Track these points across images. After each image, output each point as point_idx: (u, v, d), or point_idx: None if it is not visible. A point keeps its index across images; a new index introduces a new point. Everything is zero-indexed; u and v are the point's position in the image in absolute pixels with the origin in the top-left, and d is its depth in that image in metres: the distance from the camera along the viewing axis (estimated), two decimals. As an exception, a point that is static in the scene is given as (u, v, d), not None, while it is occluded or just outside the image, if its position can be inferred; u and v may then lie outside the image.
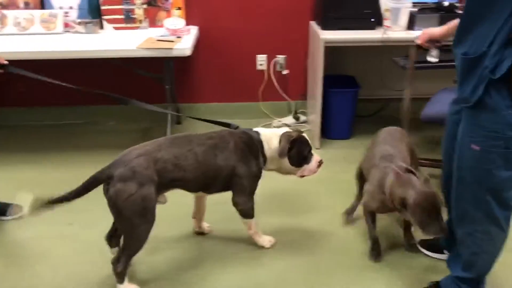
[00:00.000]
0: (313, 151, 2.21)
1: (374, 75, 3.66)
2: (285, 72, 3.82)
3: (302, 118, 3.85)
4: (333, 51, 3.37)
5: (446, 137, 1.96)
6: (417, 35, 2.21)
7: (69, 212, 2.62)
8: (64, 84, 2.26)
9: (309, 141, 2.19)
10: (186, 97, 3.89)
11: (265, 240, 2.35)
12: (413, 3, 3.29)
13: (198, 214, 2.40)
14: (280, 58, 3.79)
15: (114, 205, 1.89)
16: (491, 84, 1.56)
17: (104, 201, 2.69)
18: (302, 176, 2.22)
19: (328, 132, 3.55)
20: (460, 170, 1.76)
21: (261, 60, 3.80)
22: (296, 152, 2.14)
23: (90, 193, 2.76)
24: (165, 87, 3.27)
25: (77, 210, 2.65)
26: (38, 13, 3.34)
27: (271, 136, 2.17)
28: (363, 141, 3.49)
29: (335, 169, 3.09)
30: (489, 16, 1.54)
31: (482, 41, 1.57)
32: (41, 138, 3.64)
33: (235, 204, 2.18)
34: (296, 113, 3.88)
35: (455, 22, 1.89)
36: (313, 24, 3.50)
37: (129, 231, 1.94)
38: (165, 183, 1.97)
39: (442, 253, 2.25)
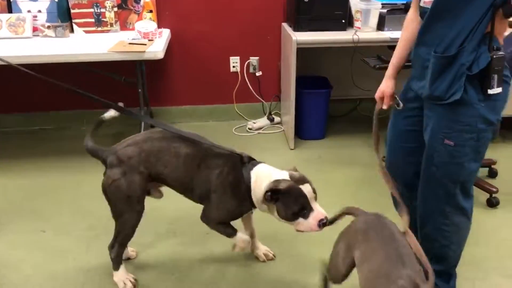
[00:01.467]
0: (316, 206, 1.84)
1: (346, 75, 3.71)
2: (258, 73, 3.84)
3: (277, 119, 3.88)
4: (305, 52, 3.41)
5: (394, 134, 1.98)
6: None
7: (41, 219, 2.60)
8: (58, 83, 2.10)
9: (308, 194, 1.81)
10: (159, 101, 3.86)
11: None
12: (383, 4, 3.36)
13: (247, 231, 2.24)
14: (253, 59, 3.80)
15: (103, 190, 1.95)
16: (466, 80, 1.61)
17: (75, 206, 2.68)
18: (299, 231, 1.87)
19: (302, 132, 3.58)
20: (430, 167, 1.80)
21: (234, 62, 3.81)
22: (282, 204, 1.82)
23: (61, 199, 2.74)
24: (137, 90, 3.24)
25: (49, 217, 2.62)
26: (5, 16, 3.27)
27: (263, 178, 1.88)
28: (337, 141, 3.56)
29: (310, 169, 3.11)
30: (462, 13, 1.55)
31: (454, 39, 1.59)
32: (10, 144, 3.56)
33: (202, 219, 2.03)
34: (270, 114, 3.90)
35: (398, 56, 1.90)
36: (285, 26, 3.52)
37: (116, 217, 2.00)
38: (152, 175, 1.96)
39: None
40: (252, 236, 2.23)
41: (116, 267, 2.09)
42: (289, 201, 1.81)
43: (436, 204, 1.83)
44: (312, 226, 1.82)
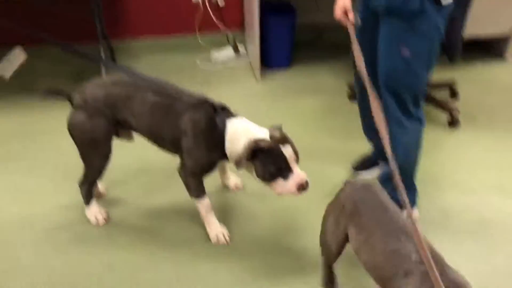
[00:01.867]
0: (296, 169, 1.77)
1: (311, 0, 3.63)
2: (220, 0, 3.71)
3: (242, 49, 3.80)
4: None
5: (365, 48, 1.93)
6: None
7: (7, 161, 2.55)
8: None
9: (288, 155, 1.75)
10: (119, 34, 3.71)
11: (213, 231, 2.05)
12: None
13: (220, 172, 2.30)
14: (214, -13, 3.66)
15: (68, 131, 1.95)
16: None
17: (41, 147, 2.63)
18: (278, 193, 1.81)
19: (268, 61, 3.53)
20: (387, 79, 1.86)
21: (195, -10, 3.66)
22: (260, 164, 1.76)
23: (26, 140, 2.69)
24: (95, 24, 3.09)
25: (15, 159, 2.57)
26: None
27: (242, 134, 1.80)
28: (303, 70, 3.54)
29: (277, 100, 3.13)
30: None
31: None
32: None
33: (178, 172, 1.99)
34: (234, 44, 3.82)
35: None
36: (246, -51, 3.37)
37: (83, 158, 2.02)
38: (119, 121, 1.94)
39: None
40: (223, 169, 2.28)
41: (86, 202, 2.11)
42: (268, 161, 1.74)
43: (392, 114, 1.89)
44: (291, 188, 1.76)
